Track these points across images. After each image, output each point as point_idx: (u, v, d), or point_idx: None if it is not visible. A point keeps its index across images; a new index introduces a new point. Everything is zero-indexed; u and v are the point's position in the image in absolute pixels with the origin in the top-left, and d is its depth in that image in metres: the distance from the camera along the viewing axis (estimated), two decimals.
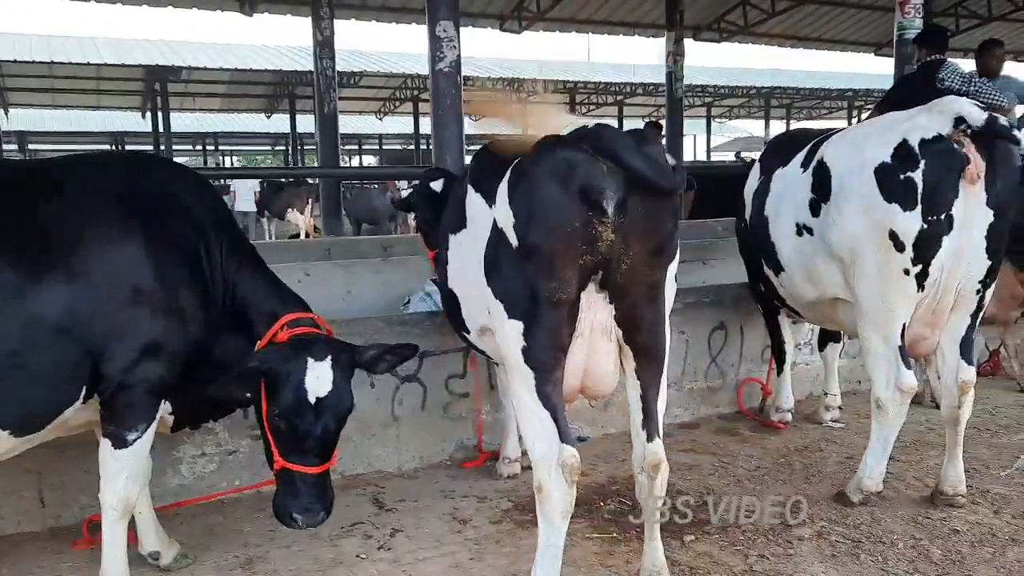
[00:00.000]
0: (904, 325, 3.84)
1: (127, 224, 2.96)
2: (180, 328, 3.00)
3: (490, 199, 3.04)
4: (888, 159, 3.72)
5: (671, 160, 2.93)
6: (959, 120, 3.63)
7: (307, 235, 18.02)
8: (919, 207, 3.64)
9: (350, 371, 3.16)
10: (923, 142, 3.65)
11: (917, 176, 3.64)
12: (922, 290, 3.76)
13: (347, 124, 38.87)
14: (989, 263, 3.77)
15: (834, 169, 4.00)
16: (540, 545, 3.00)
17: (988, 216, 3.67)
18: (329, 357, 3.06)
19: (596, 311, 2.91)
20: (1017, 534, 3.73)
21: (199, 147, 40.44)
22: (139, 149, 36.60)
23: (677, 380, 5.44)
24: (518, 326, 2.88)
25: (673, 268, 3.12)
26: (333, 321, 4.42)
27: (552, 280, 2.77)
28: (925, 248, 3.67)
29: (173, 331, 2.98)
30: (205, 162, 38.27)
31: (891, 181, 3.70)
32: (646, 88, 28.00)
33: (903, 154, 3.69)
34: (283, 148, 39.92)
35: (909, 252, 3.67)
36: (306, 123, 27.13)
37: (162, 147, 25.68)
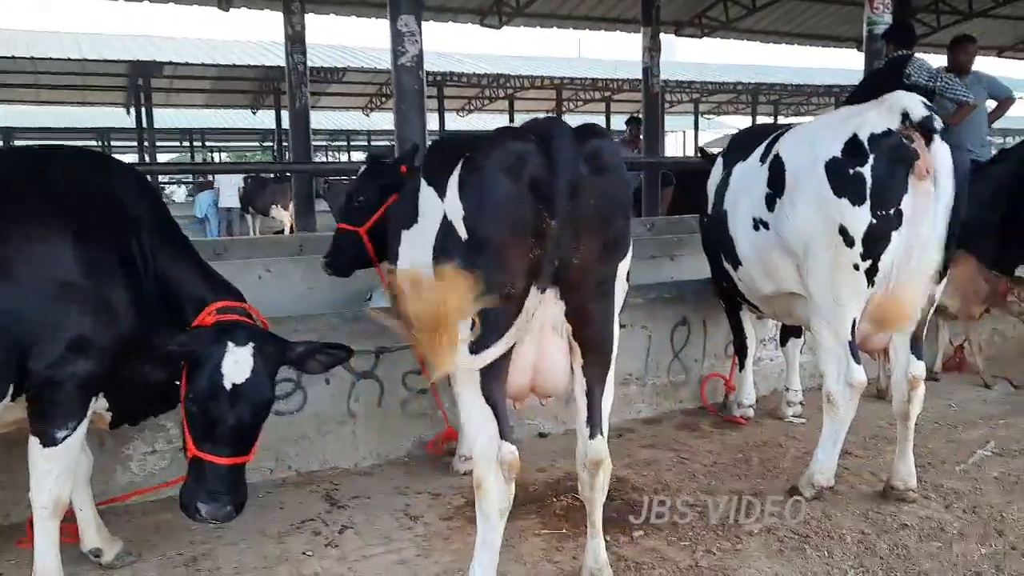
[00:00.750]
0: (855, 320, 3.84)
1: (54, 220, 2.93)
2: (109, 323, 2.97)
3: (442, 193, 3.03)
4: (838, 154, 3.73)
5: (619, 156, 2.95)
6: (906, 115, 3.65)
7: (292, 231, 17.95)
8: (868, 202, 3.64)
9: (275, 364, 3.10)
10: (872, 137, 3.66)
11: (866, 171, 3.64)
12: (872, 285, 3.76)
13: (334, 120, 38.90)
14: (939, 258, 3.76)
15: (788, 164, 4.00)
16: (478, 542, 3.00)
17: (938, 211, 3.67)
18: (251, 344, 3.00)
19: (546, 307, 2.89)
20: (965, 529, 3.74)
21: (186, 143, 40.23)
22: (125, 145, 36.65)
23: (640, 376, 5.44)
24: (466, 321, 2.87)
25: (625, 265, 3.12)
26: (289, 317, 4.44)
27: (500, 274, 2.76)
28: (874, 243, 3.67)
29: (102, 326, 2.94)
30: (192, 158, 38.03)
31: (841, 176, 3.70)
32: (633, 84, 27.93)
33: (853, 149, 3.69)
34: (271, 144, 39.77)
35: (859, 247, 3.68)
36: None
37: (145, 143, 25.52)
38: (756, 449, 4.84)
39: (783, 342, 5.45)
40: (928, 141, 3.64)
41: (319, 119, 38.06)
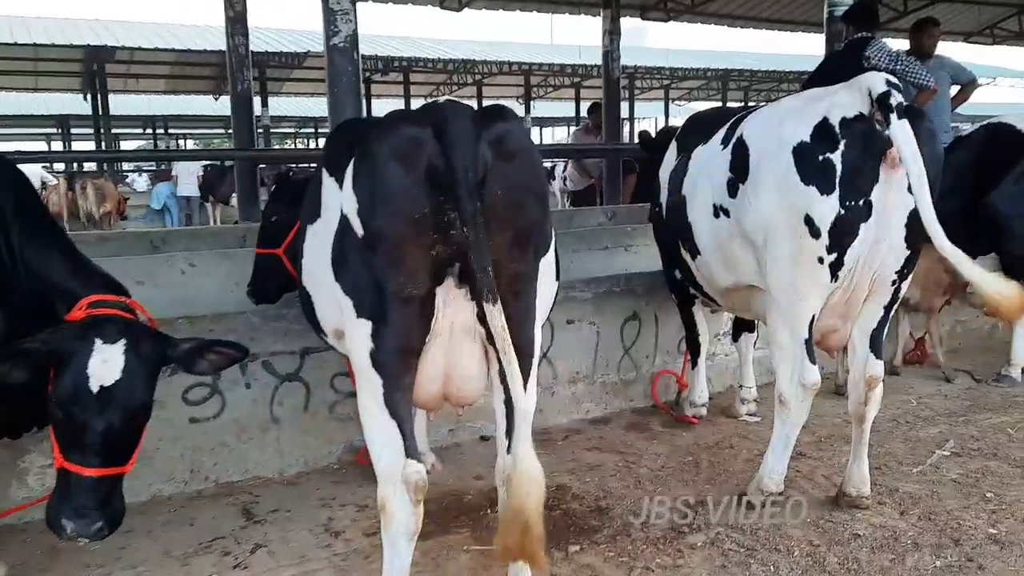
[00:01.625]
0: (813, 317, 3.57)
1: None
2: None
3: (341, 184, 2.74)
4: (807, 138, 3.43)
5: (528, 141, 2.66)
6: (881, 99, 3.34)
7: None
8: (837, 191, 3.36)
9: (153, 364, 2.79)
10: (844, 121, 3.37)
11: (836, 158, 3.35)
12: (836, 280, 3.48)
13: (302, 107, 38.26)
14: (908, 253, 3.51)
15: (752, 147, 3.70)
16: (384, 569, 2.72)
17: (908, 203, 3.40)
18: (123, 341, 2.69)
19: (456, 308, 2.62)
20: (920, 537, 3.52)
21: (149, 130, 39.43)
22: (85, 133, 35.73)
23: (588, 374, 5.18)
24: (366, 326, 2.59)
25: (548, 262, 2.85)
26: (203, 316, 4.12)
27: (400, 274, 2.49)
28: (841, 235, 3.38)
29: None
30: (155, 145, 37.25)
31: (809, 162, 3.41)
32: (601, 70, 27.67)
33: (822, 133, 3.40)
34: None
35: (825, 239, 3.38)
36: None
37: (101, 130, 24.87)
38: (707, 451, 4.60)
39: (735, 337, 5.21)
40: (912, 128, 3.36)
41: (285, 105, 37.56)
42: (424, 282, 2.50)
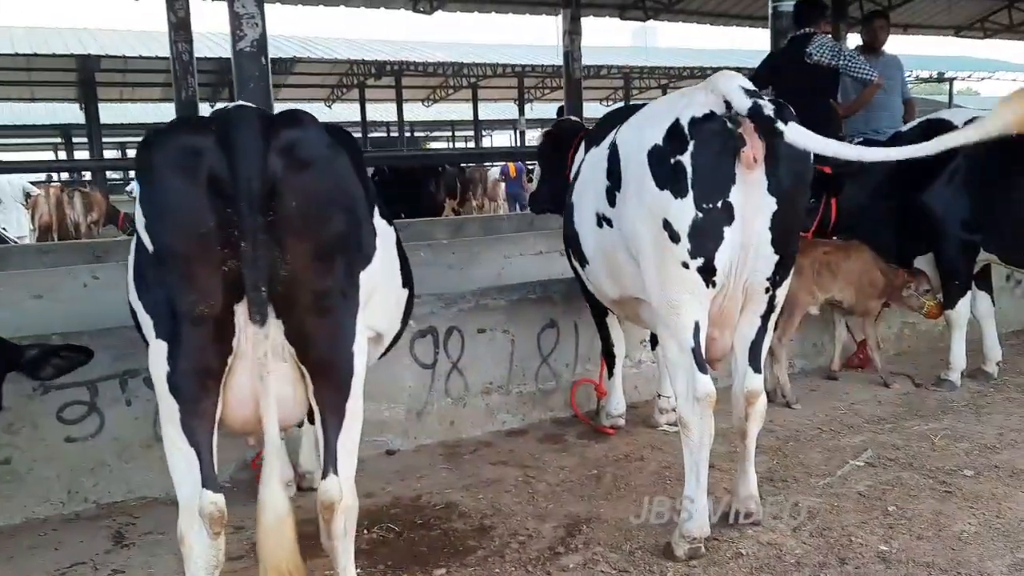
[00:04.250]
0: (696, 325, 3.37)
1: None
2: None
3: None
4: (660, 141, 3.27)
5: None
6: (734, 97, 3.19)
7: None
8: (691, 194, 3.20)
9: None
10: (694, 121, 3.20)
11: (686, 159, 3.19)
12: (713, 287, 3.31)
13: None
14: (777, 257, 3.33)
15: (622, 152, 3.54)
16: None
17: (771, 205, 3.23)
18: None
19: (263, 327, 2.48)
20: (806, 556, 3.35)
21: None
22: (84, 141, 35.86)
23: (503, 384, 5.04)
24: (162, 347, 2.46)
25: (383, 272, 2.71)
26: (81, 332, 4.01)
27: (190, 291, 2.37)
28: (703, 239, 3.20)
29: None
30: None
31: (662, 165, 3.25)
32: (596, 71, 27.54)
33: (673, 135, 3.24)
34: None
35: (686, 244, 3.21)
36: None
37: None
38: (614, 464, 4.44)
39: (653, 344, 5.05)
40: (757, 126, 3.21)
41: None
42: (217, 300, 2.38)
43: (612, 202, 3.62)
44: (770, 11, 7.81)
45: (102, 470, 4.06)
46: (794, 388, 5.44)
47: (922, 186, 5.30)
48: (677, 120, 3.25)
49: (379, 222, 2.81)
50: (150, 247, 2.41)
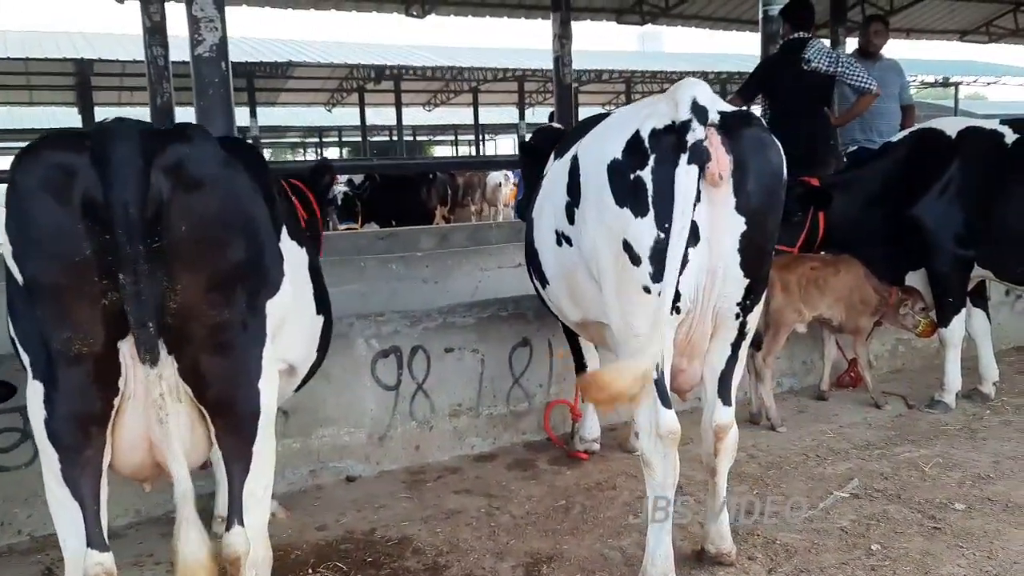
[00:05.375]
0: (660, 354, 3.13)
1: None
2: None
3: None
4: (619, 155, 3.03)
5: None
6: (698, 108, 2.94)
7: None
8: (652, 212, 2.95)
9: None
10: (654, 133, 2.96)
11: (647, 175, 2.95)
12: (678, 313, 3.06)
13: (303, 117, 38.09)
14: (748, 281, 3.07)
15: (582, 166, 3.30)
16: None
17: (739, 225, 2.97)
18: None
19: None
20: None
21: None
22: None
23: (473, 406, 4.80)
24: (39, 389, 2.24)
25: (298, 298, 2.48)
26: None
27: (64, 327, 2.13)
28: (665, 262, 2.97)
29: None
30: None
31: (621, 181, 3.01)
32: (599, 74, 27.34)
33: (633, 148, 3.00)
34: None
35: (647, 266, 2.95)
36: (242, 117, 26.49)
37: None
38: (584, 493, 4.20)
39: None
40: (736, 139, 2.96)
41: (286, 116, 37.42)
42: (97, 337, 2.15)
43: (572, 219, 3.38)
44: (760, 15, 7.55)
45: (36, 501, 3.81)
46: (781, 409, 5.20)
47: (914, 199, 5.05)
48: (637, 132, 3.00)
49: (288, 245, 2.58)
50: (19, 277, 2.18)
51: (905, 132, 5.48)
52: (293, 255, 2.62)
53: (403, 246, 7.73)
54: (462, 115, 36.95)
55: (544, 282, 3.85)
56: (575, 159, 3.35)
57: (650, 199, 2.93)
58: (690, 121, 2.89)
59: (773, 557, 3.45)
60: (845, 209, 5.18)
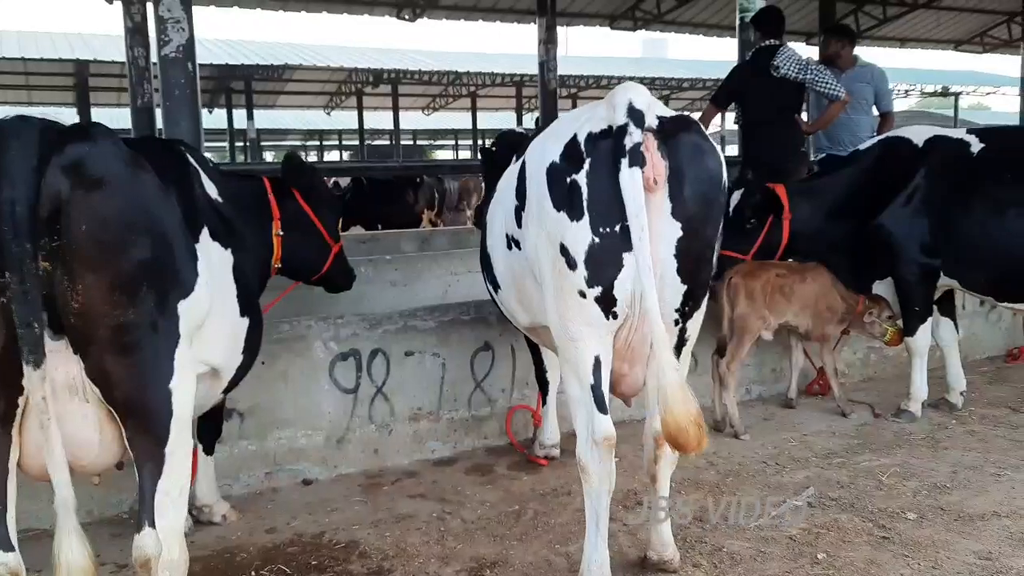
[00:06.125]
0: (597, 359, 3.09)
1: None
2: None
3: None
4: (557, 159, 3.03)
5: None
6: (635, 112, 2.93)
7: None
8: (587, 216, 2.94)
9: None
10: (590, 137, 2.95)
11: (582, 179, 2.94)
12: (614, 318, 3.05)
13: (297, 119, 38.11)
14: (685, 288, 3.05)
15: (528, 169, 3.29)
16: None
17: (675, 231, 2.95)
18: None
19: (57, 364, 2.25)
20: None
21: None
22: None
23: (433, 410, 4.78)
24: None
25: (191, 304, 2.46)
26: None
27: None
28: (601, 266, 2.93)
29: None
30: None
31: (558, 185, 3.00)
32: (596, 80, 27.34)
33: (570, 153, 2.99)
34: (224, 144, 38.97)
35: (583, 271, 2.94)
36: (240, 119, 26.58)
37: None
38: (538, 499, 4.18)
39: None
40: (673, 145, 2.95)
41: (284, 119, 37.47)
42: None
43: (520, 222, 3.37)
44: (737, 21, 7.58)
45: None
46: (747, 416, 5.19)
47: (880, 207, 5.03)
48: (575, 136, 3.00)
49: (209, 245, 2.57)
50: None
51: (872, 140, 5.47)
52: (214, 256, 2.61)
53: (384, 249, 7.71)
54: (461, 120, 36.99)
55: (496, 286, 3.84)
56: (523, 163, 3.35)
57: (585, 203, 2.92)
58: (627, 125, 2.88)
59: (718, 564, 3.44)
60: (811, 216, 5.18)
